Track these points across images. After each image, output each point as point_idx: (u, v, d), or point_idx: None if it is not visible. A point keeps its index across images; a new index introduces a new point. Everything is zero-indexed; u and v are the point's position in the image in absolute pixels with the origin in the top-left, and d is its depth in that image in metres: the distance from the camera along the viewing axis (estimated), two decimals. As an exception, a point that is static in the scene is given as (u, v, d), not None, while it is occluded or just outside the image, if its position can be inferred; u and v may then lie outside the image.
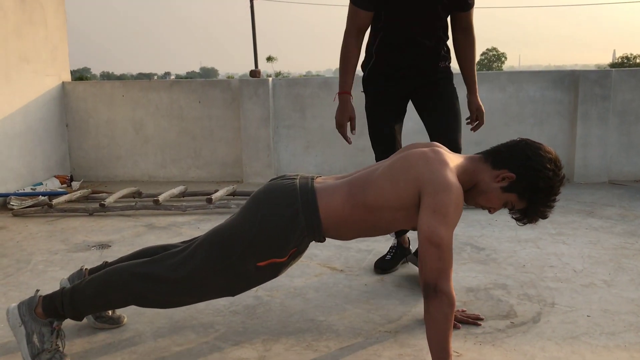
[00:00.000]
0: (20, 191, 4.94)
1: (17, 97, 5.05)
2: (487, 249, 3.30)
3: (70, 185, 5.52)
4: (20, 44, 5.08)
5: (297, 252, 1.98)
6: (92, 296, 2.03)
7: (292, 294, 2.68)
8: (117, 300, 2.04)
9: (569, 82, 5.29)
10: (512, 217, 2.04)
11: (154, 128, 5.76)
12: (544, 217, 2.01)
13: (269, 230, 1.91)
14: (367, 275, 2.90)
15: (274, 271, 1.98)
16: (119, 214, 4.40)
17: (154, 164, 5.82)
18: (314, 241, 2.01)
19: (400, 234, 2.92)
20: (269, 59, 57.87)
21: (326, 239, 2.02)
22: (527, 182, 1.91)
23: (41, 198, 4.73)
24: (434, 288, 1.75)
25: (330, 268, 3.02)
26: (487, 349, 2.10)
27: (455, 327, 2.26)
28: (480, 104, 2.82)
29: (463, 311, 2.39)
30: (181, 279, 1.95)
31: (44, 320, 2.02)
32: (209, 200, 4.36)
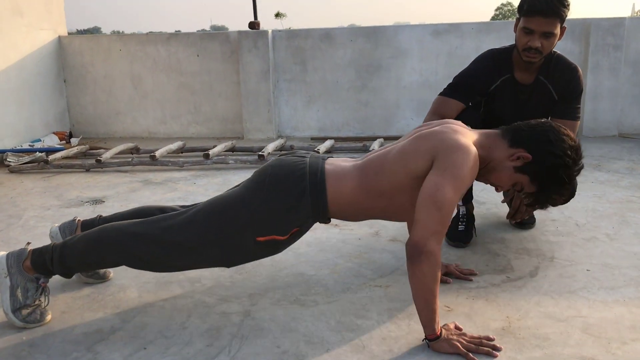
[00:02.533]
0: (17, 147, 4.88)
1: (10, 52, 4.95)
2: (488, 203, 3.20)
3: (69, 141, 5.46)
4: (12, -4, 4.95)
5: (299, 232, 1.89)
6: (83, 253, 1.95)
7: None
8: (109, 259, 1.97)
9: (580, 31, 5.08)
10: (524, 203, 1.93)
11: (153, 83, 5.65)
12: (554, 205, 1.91)
13: (274, 206, 1.83)
14: (362, 229, 2.82)
15: (273, 248, 1.90)
16: (115, 170, 4.34)
17: (154, 120, 5.73)
18: (318, 222, 1.94)
19: (467, 201, 2.68)
20: (278, 15, 56.81)
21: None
22: (543, 166, 1.81)
23: (38, 154, 4.67)
24: (422, 249, 1.65)
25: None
26: (480, 304, 2.02)
27: (446, 282, 2.18)
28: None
29: (457, 265, 2.31)
30: (177, 244, 1.87)
31: (31, 276, 1.96)
32: (206, 156, 4.27)
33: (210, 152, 4.31)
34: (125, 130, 5.79)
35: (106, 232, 1.95)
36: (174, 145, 4.68)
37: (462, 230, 2.62)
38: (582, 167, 1.88)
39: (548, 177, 1.83)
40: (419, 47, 5.21)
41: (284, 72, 5.45)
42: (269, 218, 1.84)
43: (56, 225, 2.29)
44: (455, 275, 2.23)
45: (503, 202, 2.41)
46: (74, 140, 5.47)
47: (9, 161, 4.58)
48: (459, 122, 1.97)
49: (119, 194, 3.67)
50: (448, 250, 2.53)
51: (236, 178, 3.95)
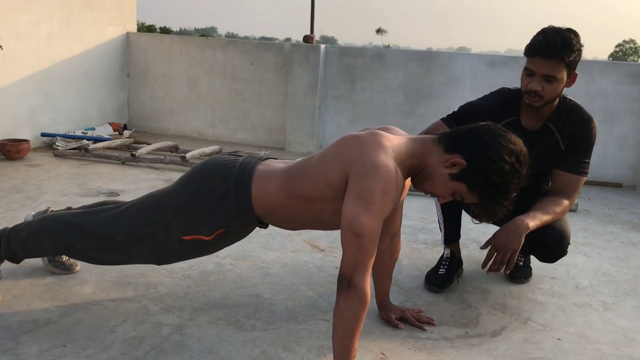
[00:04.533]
0: (69, 134, 5.14)
1: (76, 43, 5.23)
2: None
3: (122, 133, 5.69)
4: (84, -8, 5.24)
5: (226, 233, 1.83)
6: (26, 239, 2.02)
7: (256, 266, 2.56)
8: (48, 247, 2.02)
9: (650, 77, 4.69)
10: (468, 213, 1.79)
11: (207, 86, 5.78)
12: (495, 216, 1.75)
13: (198, 203, 1.80)
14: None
15: (200, 249, 1.87)
16: (148, 166, 4.47)
17: (204, 122, 5.87)
18: (258, 227, 1.88)
19: (450, 242, 2.56)
20: (379, 30, 56.83)
21: (269, 225, 1.89)
22: (478, 172, 1.66)
23: (85, 142, 4.90)
24: (347, 282, 1.57)
25: (312, 245, 2.87)
26: (419, 356, 1.88)
27: (397, 327, 2.06)
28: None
29: (418, 311, 2.18)
30: (108, 236, 1.89)
31: None
32: (233, 163, 4.30)
33: (238, 159, 4.33)
34: (177, 129, 5.97)
35: (47, 220, 2.00)
36: (208, 149, 4.75)
37: (442, 275, 2.46)
38: (525, 174, 1.71)
39: (485, 185, 1.67)
40: (472, 77, 5.02)
41: (332, 88, 5.41)
42: (194, 216, 1.80)
43: (32, 213, 2.37)
44: (409, 322, 2.09)
45: (482, 248, 2.24)
46: (126, 133, 5.69)
47: (57, 145, 4.83)
48: (395, 128, 1.84)
49: (138, 189, 3.77)
50: (421, 293, 2.39)
51: (255, 188, 3.94)
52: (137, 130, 5.99)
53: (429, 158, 1.72)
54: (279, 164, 1.87)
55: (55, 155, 4.64)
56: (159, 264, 1.97)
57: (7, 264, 2.17)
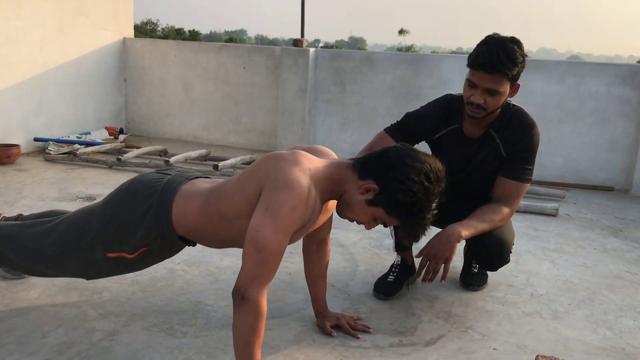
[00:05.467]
0: (64, 138, 5.23)
1: (70, 49, 5.32)
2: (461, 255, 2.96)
3: (118, 137, 5.76)
4: (78, -2, 5.33)
5: (149, 252, 1.84)
6: None
7: (208, 272, 2.58)
8: None
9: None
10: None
11: (201, 90, 5.83)
12: (417, 237, 1.73)
13: (120, 221, 1.81)
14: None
15: (125, 266, 1.88)
16: (134, 170, 4.52)
17: (198, 126, 5.91)
18: (187, 245, 1.89)
19: (401, 249, 2.49)
20: (401, 31, 56.57)
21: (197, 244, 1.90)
22: (389, 195, 1.65)
23: (77, 146, 4.98)
24: (242, 295, 1.55)
25: (288, 261, 2.84)
26: (344, 366, 1.87)
27: (330, 335, 2.04)
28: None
29: (358, 318, 2.16)
30: (39, 250, 1.92)
31: None
32: (215, 167, 4.34)
33: (220, 164, 4.36)
34: (173, 133, 6.03)
35: None
36: (194, 153, 4.79)
37: (390, 282, 2.44)
38: (438, 193, 1.67)
39: (398, 207, 1.65)
40: (461, 79, 4.92)
41: (323, 92, 5.41)
42: (115, 233, 1.81)
43: (-7, 218, 2.41)
44: (344, 330, 2.08)
45: (416, 257, 2.21)
46: (121, 137, 5.77)
47: (50, 150, 4.92)
48: (323, 150, 1.84)
49: (116, 194, 3.81)
50: (367, 300, 2.37)
51: (234, 193, 3.96)
52: (133, 134, 6.07)
53: (346, 184, 1.71)
54: (205, 183, 1.85)
55: (46, 160, 4.73)
56: (88, 278, 1.99)
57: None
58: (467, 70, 2.23)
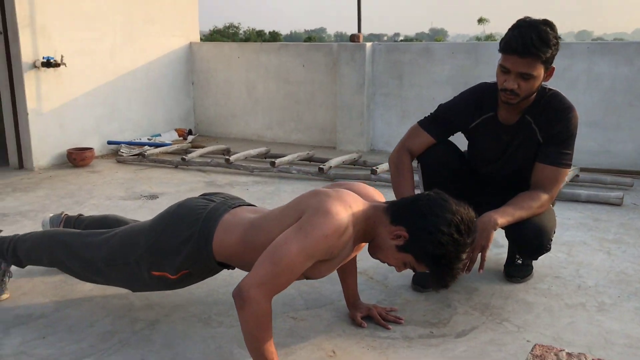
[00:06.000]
0: (134, 140, 5.53)
1: (139, 55, 5.60)
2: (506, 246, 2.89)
3: (187, 138, 6.02)
4: (146, 7, 5.60)
5: (190, 274, 1.95)
6: (28, 250, 2.24)
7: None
8: (44, 260, 2.22)
9: None
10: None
11: (263, 90, 5.97)
12: (446, 285, 1.73)
13: (164, 244, 1.92)
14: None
15: (166, 285, 2.00)
16: (197, 169, 4.72)
17: (262, 125, 6.06)
18: (227, 269, 1.99)
19: None
20: (480, 20, 55.02)
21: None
22: (418, 244, 1.67)
23: (146, 148, 5.25)
24: (242, 295, 1.59)
25: None
26: (370, 355, 1.89)
27: (361, 326, 2.07)
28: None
29: (390, 310, 2.17)
30: (90, 260, 2.07)
31: None
32: (272, 164, 4.44)
33: (277, 160, 4.46)
34: (238, 132, 6.21)
35: (46, 236, 2.21)
36: (253, 151, 4.93)
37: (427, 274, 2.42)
38: (468, 244, 1.67)
39: (426, 256, 1.67)
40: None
41: (381, 86, 5.39)
42: (160, 255, 1.92)
43: (49, 216, 2.62)
44: (375, 320, 2.09)
45: None
46: (190, 138, 6.02)
47: (122, 152, 5.22)
48: (362, 188, 1.87)
49: (178, 192, 4.00)
50: (403, 292, 2.37)
51: (290, 188, 4.05)
52: (201, 135, 6.31)
53: (379, 227, 1.75)
54: (247, 213, 1.92)
55: (118, 162, 5.02)
56: (133, 291, 2.11)
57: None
58: (500, 56, 2.18)
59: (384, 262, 1.81)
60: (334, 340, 1.99)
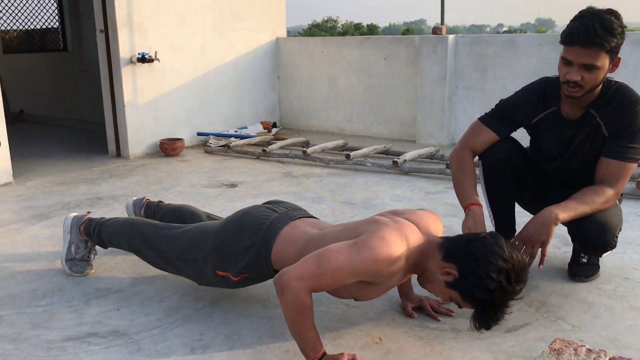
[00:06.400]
0: (223, 132, 5.80)
1: (228, 51, 5.86)
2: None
3: (271, 130, 6.22)
4: (234, 5, 5.84)
5: (249, 278, 2.07)
6: (110, 234, 2.46)
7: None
8: (124, 246, 2.43)
9: None
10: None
11: (345, 83, 6.05)
12: (489, 327, 1.74)
13: (229, 249, 2.05)
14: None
15: (228, 284, 2.13)
16: (277, 160, 4.89)
17: (343, 118, 6.15)
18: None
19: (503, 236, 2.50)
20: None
21: None
22: (466, 286, 1.70)
23: (232, 139, 5.50)
24: (281, 281, 1.68)
25: None
26: (416, 344, 1.93)
27: (411, 316, 2.10)
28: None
29: (443, 302, 2.18)
30: (163, 252, 2.25)
31: (82, 237, 2.55)
32: (347, 157, 4.52)
33: (352, 153, 4.53)
34: (320, 125, 6.34)
35: (127, 224, 2.42)
36: (330, 144, 5.02)
37: None
38: (515, 292, 1.67)
39: (474, 300, 1.69)
40: (615, 58, 4.54)
41: (463, 78, 5.31)
42: (225, 258, 2.06)
43: (132, 199, 2.85)
44: (425, 311, 2.12)
45: (512, 242, 2.16)
46: (274, 130, 6.22)
47: (210, 143, 5.50)
48: (425, 220, 1.89)
49: (256, 181, 4.18)
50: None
51: (363, 180, 4.12)
52: (285, 128, 6.50)
53: (430, 261, 1.79)
54: (308, 227, 2.01)
55: (206, 152, 5.30)
56: (199, 284, 2.26)
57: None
58: (561, 49, 2.13)
59: (431, 293, 1.85)
60: (382, 328, 2.04)
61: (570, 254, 2.52)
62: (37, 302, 2.29)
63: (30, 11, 8.08)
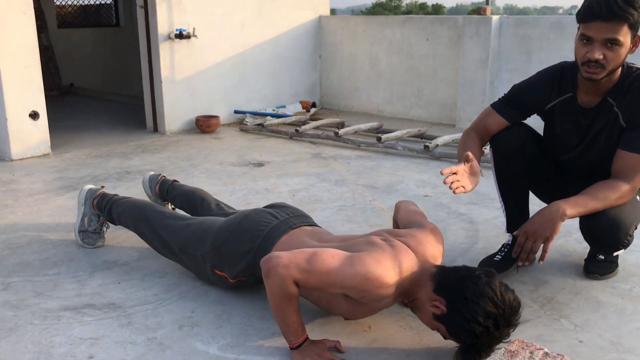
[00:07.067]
0: (260, 111, 5.81)
1: (268, 29, 5.84)
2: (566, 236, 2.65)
3: (310, 110, 6.19)
4: (276, -18, 5.81)
5: (245, 282, 2.07)
6: (119, 214, 2.51)
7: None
8: (131, 227, 2.47)
9: None
10: None
11: (386, 64, 5.93)
12: None
13: (227, 251, 2.05)
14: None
15: (225, 284, 2.13)
16: (309, 140, 4.86)
17: (383, 99, 6.04)
18: None
19: (513, 230, 2.30)
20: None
21: None
22: (452, 324, 1.63)
23: (268, 118, 5.50)
24: (269, 264, 1.67)
25: None
26: (404, 334, 1.88)
27: (407, 306, 2.03)
28: None
29: (442, 294, 2.12)
30: (166, 241, 2.27)
31: (95, 211, 2.61)
32: (378, 139, 4.43)
33: (384, 136, 4.45)
34: (360, 106, 6.25)
35: (135, 207, 2.44)
36: (364, 126, 4.94)
37: (497, 261, 2.32)
38: (502, 336, 1.59)
39: (458, 339, 1.64)
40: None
41: (507, 61, 5.10)
42: (223, 259, 2.06)
43: (149, 174, 2.89)
44: None
45: (514, 235, 2.06)
46: (312, 110, 6.18)
47: (246, 121, 5.52)
48: (424, 242, 1.83)
49: (283, 161, 4.17)
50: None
51: (390, 164, 4.04)
52: (325, 108, 6.45)
53: (421, 291, 1.73)
54: (306, 238, 1.97)
55: (241, 130, 5.33)
56: (199, 278, 2.26)
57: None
58: (578, 28, 1.99)
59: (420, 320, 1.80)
60: (374, 317, 1.99)
61: (587, 250, 2.39)
62: (45, 271, 2.36)
63: (85, -13, 8.31)
